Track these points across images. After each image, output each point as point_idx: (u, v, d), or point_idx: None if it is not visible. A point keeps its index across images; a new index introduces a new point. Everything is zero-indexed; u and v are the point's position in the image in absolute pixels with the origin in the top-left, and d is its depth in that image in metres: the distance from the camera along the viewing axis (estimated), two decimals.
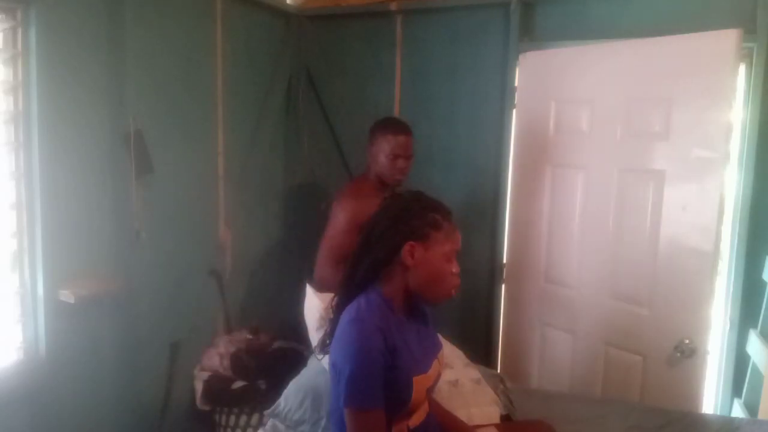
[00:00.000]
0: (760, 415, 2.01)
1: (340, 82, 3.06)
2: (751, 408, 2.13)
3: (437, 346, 1.50)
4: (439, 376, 1.48)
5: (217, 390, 2.44)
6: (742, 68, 2.15)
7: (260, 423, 2.19)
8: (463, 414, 1.66)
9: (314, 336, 1.83)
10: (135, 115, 2.11)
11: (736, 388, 2.30)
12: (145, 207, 2.19)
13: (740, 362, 2.28)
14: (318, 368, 1.80)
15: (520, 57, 2.56)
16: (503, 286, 2.71)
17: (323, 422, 1.69)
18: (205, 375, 2.48)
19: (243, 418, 2.39)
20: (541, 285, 2.48)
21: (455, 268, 1.39)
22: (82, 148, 2.02)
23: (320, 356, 1.51)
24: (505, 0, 2.58)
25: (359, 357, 1.27)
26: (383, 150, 2.17)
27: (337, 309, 1.43)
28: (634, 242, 2.20)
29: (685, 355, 2.06)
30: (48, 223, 1.92)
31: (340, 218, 2.13)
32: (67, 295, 1.95)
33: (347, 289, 1.42)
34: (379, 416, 1.26)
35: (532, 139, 2.54)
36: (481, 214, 2.75)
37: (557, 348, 2.44)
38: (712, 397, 2.40)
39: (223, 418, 2.42)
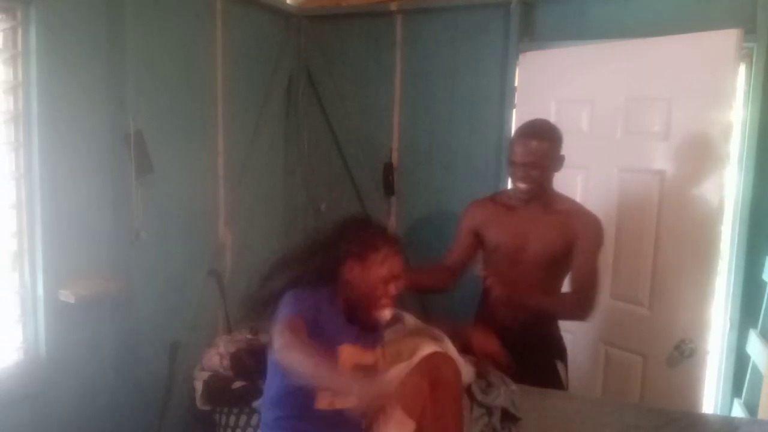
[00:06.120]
0: (760, 415, 2.01)
1: (340, 82, 3.06)
2: (751, 408, 2.13)
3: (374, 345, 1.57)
4: (379, 368, 1.53)
5: (217, 390, 2.43)
6: (742, 68, 2.15)
7: (260, 422, 2.19)
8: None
9: None
10: (135, 115, 2.10)
11: (736, 388, 2.30)
12: (145, 207, 2.19)
13: (740, 362, 2.28)
14: None
15: (520, 57, 2.56)
16: None
17: None
18: (205, 375, 2.48)
19: (243, 418, 2.39)
20: None
21: (391, 292, 1.51)
22: (82, 148, 2.02)
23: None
24: (505, 0, 2.58)
25: (288, 300, 1.45)
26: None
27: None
28: (634, 242, 2.20)
29: (685, 355, 2.07)
30: (48, 223, 1.91)
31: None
32: (67, 295, 1.95)
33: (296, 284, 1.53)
34: (298, 320, 1.38)
35: None
36: None
37: None
38: (712, 397, 2.40)
39: (223, 418, 2.41)
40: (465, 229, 2.07)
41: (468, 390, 1.75)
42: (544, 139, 1.85)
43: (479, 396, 1.74)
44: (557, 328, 2.08)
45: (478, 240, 2.07)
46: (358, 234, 1.54)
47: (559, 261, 1.95)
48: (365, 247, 1.51)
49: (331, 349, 1.43)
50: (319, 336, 1.40)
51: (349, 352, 1.46)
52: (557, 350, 2.07)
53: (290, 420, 1.47)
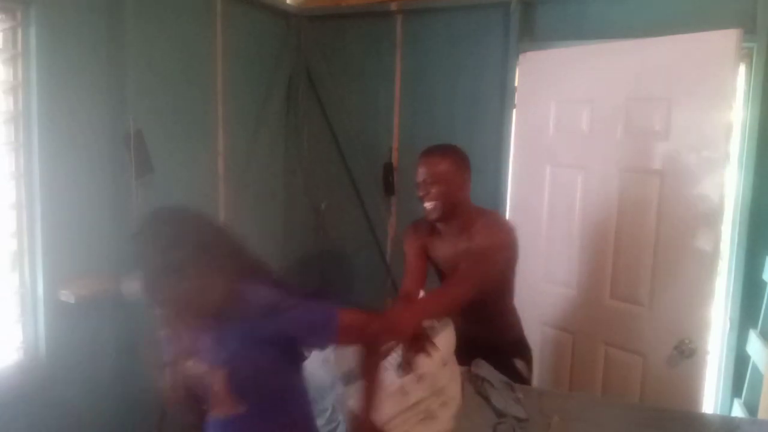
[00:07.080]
0: (760, 415, 2.01)
1: (340, 82, 3.06)
2: (751, 408, 2.13)
3: None
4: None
5: None
6: (742, 68, 2.15)
7: None
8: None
9: None
10: (135, 115, 2.10)
11: (736, 388, 2.30)
12: (145, 207, 2.19)
13: (740, 362, 2.28)
14: (318, 360, 1.82)
15: (520, 57, 2.56)
16: None
17: (327, 413, 1.70)
18: None
19: None
20: (541, 285, 2.48)
21: None
22: (82, 148, 2.02)
23: None
24: (505, 0, 2.58)
25: None
26: None
27: None
28: (634, 242, 2.20)
29: (685, 355, 2.06)
30: (48, 223, 1.92)
31: None
32: (67, 295, 1.95)
33: None
34: None
35: (532, 139, 2.54)
36: None
37: (557, 348, 2.44)
38: (712, 397, 2.40)
39: None
40: (414, 251, 2.03)
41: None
42: (443, 156, 1.86)
43: (494, 400, 1.79)
44: (516, 330, 2.10)
45: (427, 257, 2.05)
46: None
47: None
48: None
49: None
50: None
51: None
52: (516, 349, 2.09)
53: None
